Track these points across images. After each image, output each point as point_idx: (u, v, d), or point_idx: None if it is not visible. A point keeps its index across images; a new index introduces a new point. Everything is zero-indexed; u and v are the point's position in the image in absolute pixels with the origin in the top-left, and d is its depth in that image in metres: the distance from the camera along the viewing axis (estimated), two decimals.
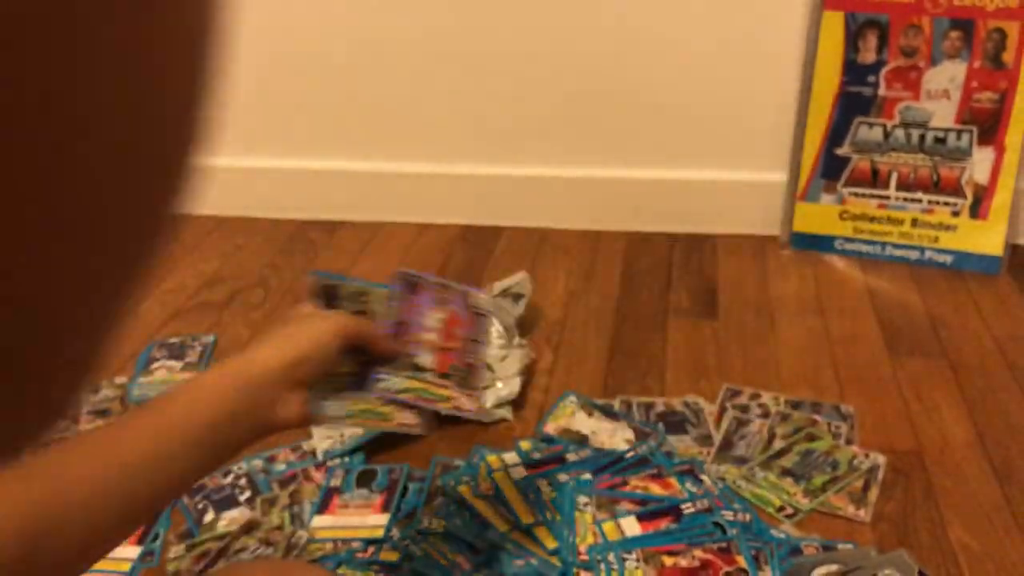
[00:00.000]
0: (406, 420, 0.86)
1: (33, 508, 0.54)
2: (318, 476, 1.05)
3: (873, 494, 1.00)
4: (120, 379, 1.23)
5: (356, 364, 0.81)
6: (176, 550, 0.96)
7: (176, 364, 1.26)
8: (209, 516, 1.00)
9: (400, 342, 0.88)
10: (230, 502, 1.02)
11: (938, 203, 1.43)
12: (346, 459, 1.07)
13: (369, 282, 0.90)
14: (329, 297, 0.84)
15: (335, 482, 1.03)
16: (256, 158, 1.67)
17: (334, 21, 1.54)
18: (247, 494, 1.03)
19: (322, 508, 1.00)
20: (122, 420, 0.67)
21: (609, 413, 1.13)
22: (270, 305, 1.41)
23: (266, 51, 1.57)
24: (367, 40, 1.54)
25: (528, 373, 1.19)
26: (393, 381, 0.83)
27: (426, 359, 0.90)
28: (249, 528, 0.97)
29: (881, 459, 1.05)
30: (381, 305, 0.89)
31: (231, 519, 1.00)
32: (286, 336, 0.73)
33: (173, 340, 1.31)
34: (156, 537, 0.97)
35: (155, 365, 1.25)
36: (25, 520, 0.53)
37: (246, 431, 0.68)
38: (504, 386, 1.15)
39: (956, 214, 1.42)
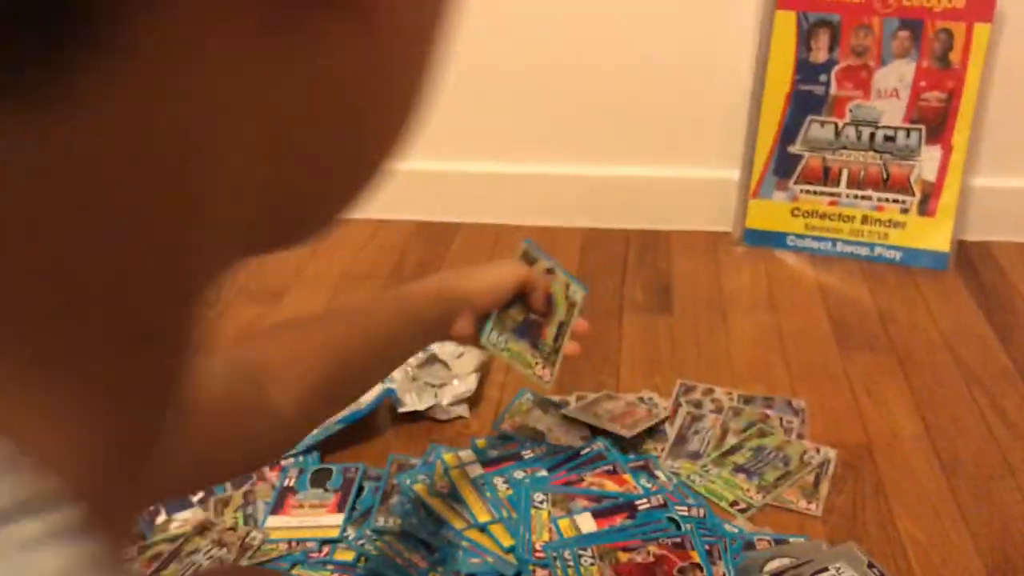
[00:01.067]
0: (543, 374, 0.96)
1: (341, 347, 0.75)
2: (272, 476, 1.04)
3: (824, 488, 1.02)
4: None
5: (523, 313, 0.94)
6: (127, 552, 0.95)
7: None
8: (161, 518, 0.99)
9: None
10: (182, 503, 1.00)
11: (887, 200, 1.45)
12: (301, 458, 1.06)
13: (559, 265, 1.01)
14: (529, 262, 0.97)
15: (289, 481, 1.02)
16: None
17: None
18: (200, 494, 1.01)
19: (276, 508, 0.99)
20: (380, 300, 0.97)
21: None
22: (225, 303, 1.39)
23: None
24: None
25: (484, 370, 1.19)
26: (503, 338, 0.92)
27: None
28: (202, 529, 0.96)
29: (832, 453, 1.06)
30: (561, 285, 1.00)
31: (183, 520, 0.98)
32: (481, 271, 0.92)
33: None
34: None
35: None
36: (337, 356, 0.74)
37: (437, 330, 0.87)
38: (460, 383, 1.14)
39: (905, 211, 1.45)
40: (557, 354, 0.98)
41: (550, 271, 0.98)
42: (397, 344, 0.84)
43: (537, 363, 0.96)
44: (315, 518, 0.97)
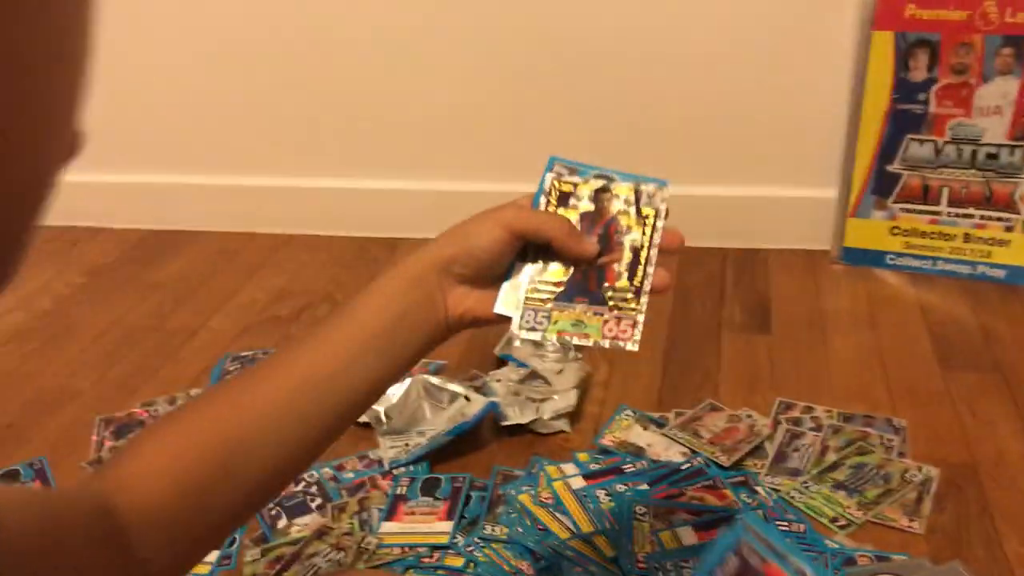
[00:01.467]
0: (620, 333, 0.70)
1: (221, 432, 0.58)
2: (385, 484, 1.10)
3: (926, 506, 1.02)
4: (195, 390, 1.30)
5: (563, 268, 0.71)
6: (251, 554, 1.01)
7: None
8: (282, 522, 1.05)
9: (589, 241, 0.71)
10: (302, 509, 1.07)
11: (991, 218, 1.44)
12: (411, 468, 1.12)
13: (611, 172, 0.73)
14: (564, 195, 0.73)
15: (401, 490, 1.07)
16: (320, 178, 1.73)
17: (389, 40, 1.59)
18: (318, 501, 1.08)
19: (389, 515, 1.04)
20: (300, 338, 0.65)
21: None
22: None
23: (326, 75, 1.63)
24: (420, 61, 1.59)
25: (584, 386, 1.23)
26: (541, 315, 0.70)
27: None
28: (321, 534, 1.02)
29: (934, 472, 1.06)
30: (622, 202, 0.72)
31: (303, 525, 1.05)
32: (451, 231, 0.69)
33: (245, 353, 1.37)
34: (233, 542, 1.03)
35: (229, 378, 1.31)
36: (214, 444, 0.57)
37: (420, 331, 0.67)
38: (560, 399, 1.18)
39: (1009, 229, 1.43)
40: (639, 297, 0.70)
41: (603, 189, 0.72)
42: (353, 383, 0.64)
43: (607, 321, 0.70)
44: (426, 525, 1.02)
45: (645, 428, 1.16)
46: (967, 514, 1.01)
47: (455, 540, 1.00)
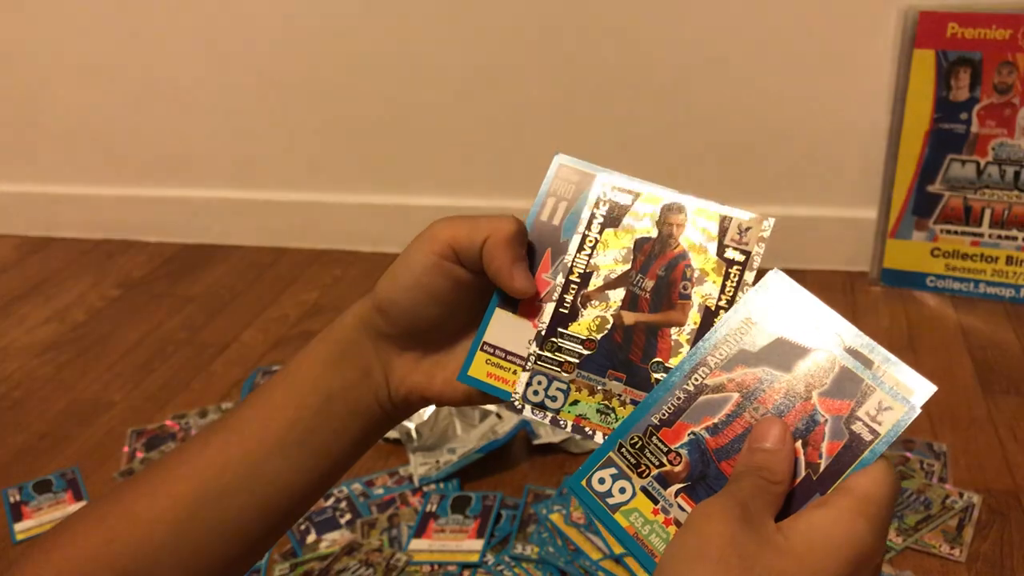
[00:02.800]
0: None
1: (113, 555, 0.48)
2: (415, 501, 1.09)
3: (968, 533, 0.99)
4: (226, 404, 1.29)
5: (602, 324, 0.50)
6: (280, 568, 1.00)
7: None
8: (311, 537, 1.04)
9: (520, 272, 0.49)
10: (331, 524, 1.06)
11: None
12: (441, 485, 1.10)
13: (646, 185, 0.51)
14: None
15: (431, 507, 1.06)
16: (353, 193, 1.73)
17: (421, 57, 1.60)
18: (347, 517, 1.07)
19: (419, 532, 1.03)
20: (213, 425, 0.52)
21: None
22: None
23: (361, 93, 1.64)
24: (455, 80, 1.60)
25: None
26: (551, 387, 0.50)
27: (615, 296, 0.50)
28: (350, 549, 1.01)
29: (976, 498, 1.04)
30: (700, 233, 0.50)
31: (332, 540, 1.04)
32: (385, 273, 0.51)
33: (276, 367, 1.37)
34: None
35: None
36: (106, 567, 0.48)
37: (354, 420, 0.52)
38: None
39: None
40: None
41: (674, 209, 0.50)
42: (272, 484, 0.50)
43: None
44: (456, 543, 1.01)
45: None
46: (1010, 542, 0.99)
47: (485, 559, 0.99)
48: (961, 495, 1.04)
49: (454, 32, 1.56)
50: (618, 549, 0.97)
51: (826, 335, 0.44)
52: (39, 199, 1.91)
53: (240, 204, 1.79)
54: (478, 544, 1.01)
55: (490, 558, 0.99)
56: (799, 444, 0.43)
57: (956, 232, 1.45)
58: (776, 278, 0.46)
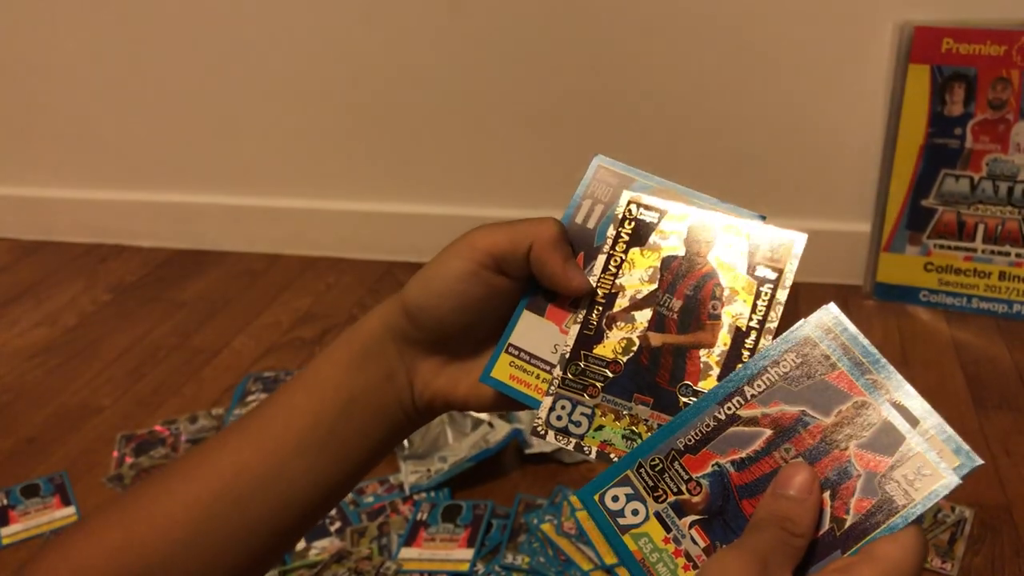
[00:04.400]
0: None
1: (132, 555, 0.48)
2: (405, 509, 1.08)
3: (960, 548, 0.99)
4: (217, 410, 1.29)
5: (629, 345, 0.48)
6: None
7: None
8: (300, 544, 1.04)
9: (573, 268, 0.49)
10: (320, 531, 1.05)
11: None
12: (433, 494, 1.10)
13: (710, 199, 0.50)
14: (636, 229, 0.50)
15: (422, 515, 1.06)
16: (347, 200, 1.73)
17: (418, 64, 1.60)
18: (337, 524, 1.06)
19: (409, 540, 1.03)
20: (230, 428, 0.51)
21: None
22: None
23: (354, 100, 1.64)
24: (448, 86, 1.60)
25: None
26: (578, 410, 0.48)
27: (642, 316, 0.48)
28: (339, 557, 1.00)
29: (968, 513, 1.04)
30: (732, 251, 0.48)
31: (321, 548, 1.03)
32: (415, 276, 0.50)
33: (268, 374, 1.36)
34: None
35: (250, 398, 1.31)
36: (123, 568, 0.47)
37: (377, 423, 0.51)
38: None
39: None
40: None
41: (702, 227, 0.49)
42: (290, 489, 0.50)
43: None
44: (446, 552, 1.01)
45: None
46: (1001, 556, 0.98)
47: (475, 568, 0.99)
48: (953, 509, 1.04)
49: (448, 40, 1.56)
50: (610, 560, 0.97)
51: (874, 384, 0.42)
52: (33, 203, 1.90)
53: (234, 210, 1.79)
54: (468, 553, 1.00)
55: (480, 567, 0.99)
56: (827, 495, 0.41)
57: (949, 247, 1.45)
58: (828, 314, 0.44)
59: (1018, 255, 1.42)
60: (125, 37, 1.70)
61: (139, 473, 1.17)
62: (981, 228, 1.43)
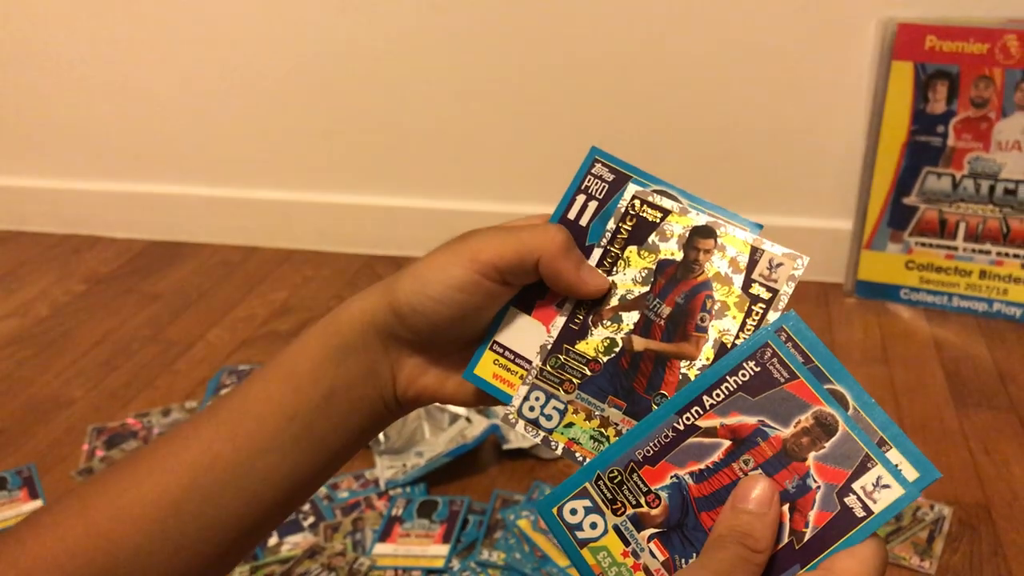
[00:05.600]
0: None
1: (96, 549, 0.46)
2: (380, 504, 1.06)
3: (938, 546, 0.98)
4: (190, 403, 1.27)
5: (609, 346, 0.47)
6: (240, 571, 0.98)
7: None
8: (273, 540, 1.02)
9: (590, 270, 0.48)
10: (293, 527, 1.04)
11: (1008, 255, 1.41)
12: (408, 489, 1.08)
13: (680, 192, 0.50)
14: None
15: (397, 511, 1.04)
16: (325, 193, 1.71)
17: (396, 55, 1.58)
18: (311, 520, 1.04)
19: (384, 536, 1.01)
20: (199, 416, 0.49)
21: None
22: None
23: (333, 90, 1.62)
24: (429, 78, 1.58)
25: None
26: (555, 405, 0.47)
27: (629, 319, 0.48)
28: (312, 553, 0.99)
29: (947, 511, 1.03)
30: (727, 263, 0.47)
31: (294, 543, 1.01)
32: (403, 273, 0.49)
33: (243, 367, 1.34)
34: None
35: (224, 391, 1.29)
36: (85, 563, 0.46)
37: (355, 416, 0.50)
38: None
39: None
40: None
41: (702, 232, 0.48)
42: (263, 480, 0.48)
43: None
44: (421, 548, 0.99)
45: None
46: (980, 554, 0.98)
47: (450, 564, 0.97)
48: (932, 507, 1.04)
49: (430, 32, 1.55)
50: None
51: (834, 393, 0.41)
52: (6, 192, 1.87)
53: (210, 201, 1.77)
54: (444, 549, 0.99)
55: (456, 564, 0.97)
56: (786, 508, 0.40)
57: (931, 245, 1.45)
58: (789, 320, 0.43)
59: (999, 254, 1.42)
60: (100, 28, 1.67)
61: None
62: (962, 226, 1.43)
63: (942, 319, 1.44)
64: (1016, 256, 1.41)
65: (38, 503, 1.10)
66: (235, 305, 1.55)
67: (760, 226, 0.47)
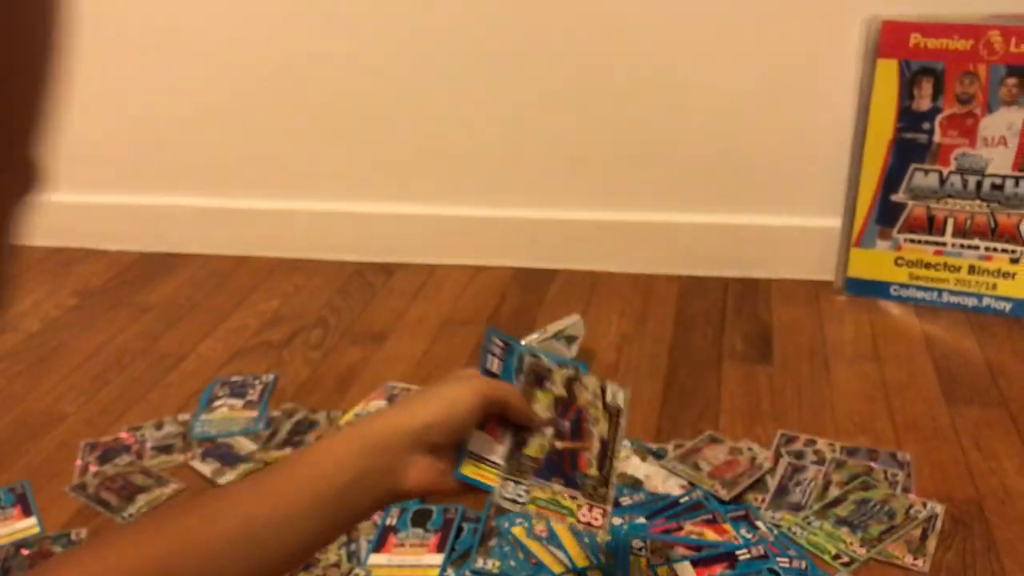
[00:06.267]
0: (592, 519, 0.76)
1: (150, 570, 0.54)
2: (374, 515, 1.06)
3: (931, 544, 0.99)
4: (183, 416, 1.27)
5: (544, 443, 0.77)
6: None
7: (237, 402, 1.29)
8: None
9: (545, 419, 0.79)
10: None
11: (996, 250, 1.42)
12: None
13: (575, 363, 0.84)
14: (532, 377, 0.81)
15: (391, 520, 1.04)
16: (315, 201, 1.71)
17: (384, 62, 1.58)
18: None
19: (378, 546, 1.01)
20: (246, 481, 0.65)
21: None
22: (329, 344, 1.43)
23: (323, 99, 1.62)
24: (419, 87, 1.58)
25: None
26: (520, 488, 0.74)
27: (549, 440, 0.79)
28: (307, 565, 0.99)
29: (939, 508, 1.03)
30: (590, 394, 0.82)
31: None
32: (421, 399, 0.70)
33: (235, 378, 1.34)
34: None
35: (217, 403, 1.29)
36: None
37: (371, 497, 0.65)
38: None
39: (1015, 261, 1.41)
40: (607, 486, 0.78)
41: (574, 378, 0.82)
42: (289, 539, 0.61)
43: (581, 506, 0.76)
44: (415, 557, 0.99)
45: (643, 459, 1.13)
46: (973, 551, 0.98)
47: (445, 573, 0.97)
48: (925, 505, 1.04)
49: (418, 40, 1.55)
50: (581, 563, 0.96)
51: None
52: None
53: (200, 212, 1.76)
54: (438, 559, 0.99)
55: (451, 572, 0.97)
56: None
57: (919, 241, 1.45)
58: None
59: (987, 249, 1.42)
60: (90, 37, 1.66)
61: (103, 482, 1.15)
62: (950, 222, 1.43)
63: (932, 315, 1.45)
64: (1004, 251, 1.41)
65: (31, 520, 1.10)
66: (227, 316, 1.55)
67: (586, 366, 0.84)
